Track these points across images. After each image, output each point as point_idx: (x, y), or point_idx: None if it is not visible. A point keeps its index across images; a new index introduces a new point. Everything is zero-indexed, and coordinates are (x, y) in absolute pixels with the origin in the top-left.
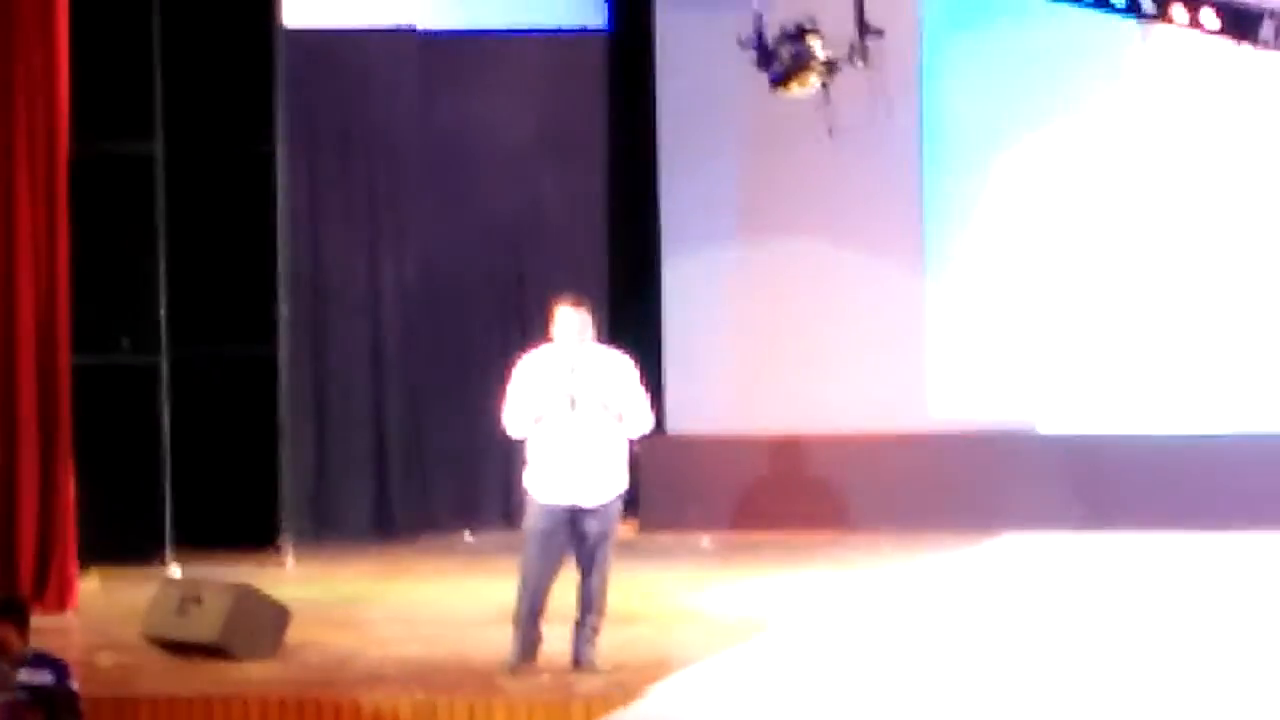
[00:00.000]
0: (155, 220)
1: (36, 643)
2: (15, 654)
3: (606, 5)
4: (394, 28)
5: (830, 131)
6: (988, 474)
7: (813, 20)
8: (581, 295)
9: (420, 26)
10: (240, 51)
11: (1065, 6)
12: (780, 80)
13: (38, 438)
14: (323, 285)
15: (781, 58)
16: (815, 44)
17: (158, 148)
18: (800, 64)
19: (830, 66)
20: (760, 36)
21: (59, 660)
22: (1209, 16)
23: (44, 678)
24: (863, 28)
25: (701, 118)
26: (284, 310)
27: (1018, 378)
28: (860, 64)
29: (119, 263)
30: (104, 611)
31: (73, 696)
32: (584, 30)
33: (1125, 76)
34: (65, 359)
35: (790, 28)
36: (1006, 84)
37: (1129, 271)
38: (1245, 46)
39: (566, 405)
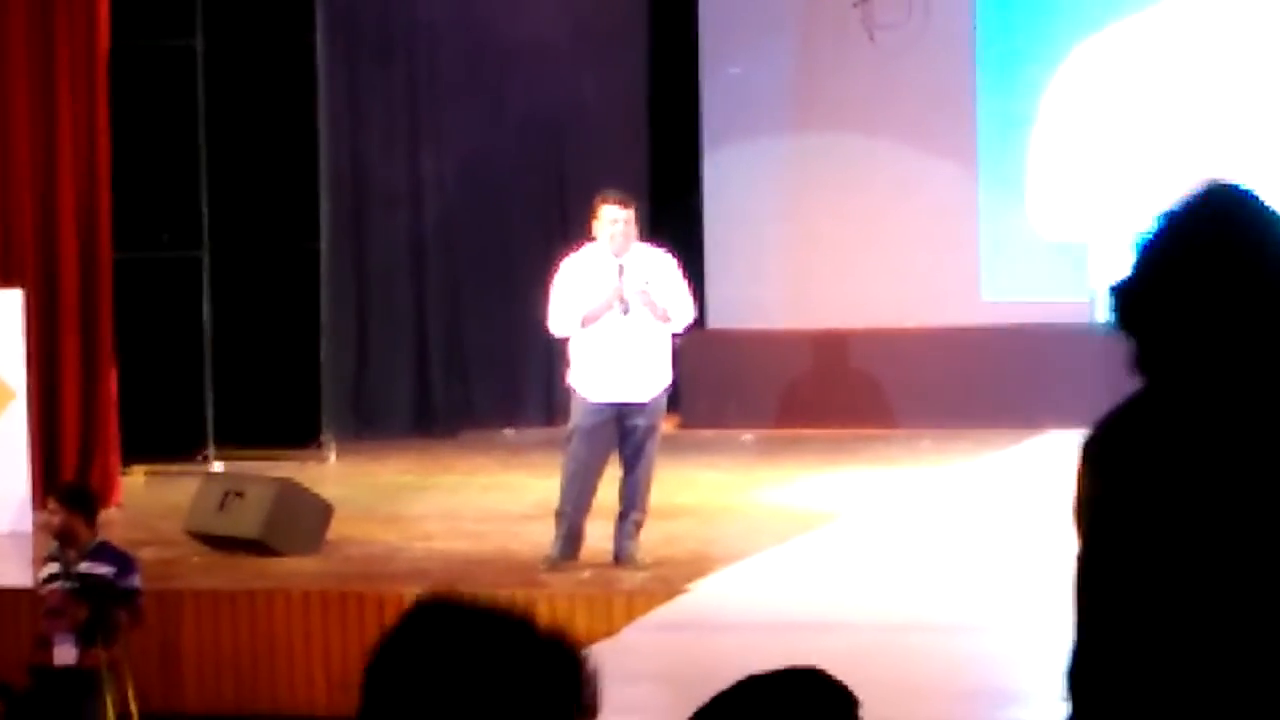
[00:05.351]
0: (196, 115)
1: None
2: (82, 544)
3: None
4: None
5: (871, 35)
6: (1035, 369)
7: None
8: (627, 194)
9: None
10: None
11: None
12: None
13: (79, 333)
14: (363, 181)
15: None
16: None
17: (198, 42)
18: None
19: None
20: None
21: (124, 554)
22: None
23: (103, 569)
24: None
25: (744, 11)
26: (325, 205)
27: (1070, 271)
28: None
29: (160, 158)
30: (147, 507)
31: (129, 593)
32: None
33: None
34: (107, 254)
35: None
36: None
37: (1190, 169)
38: None
39: (614, 305)
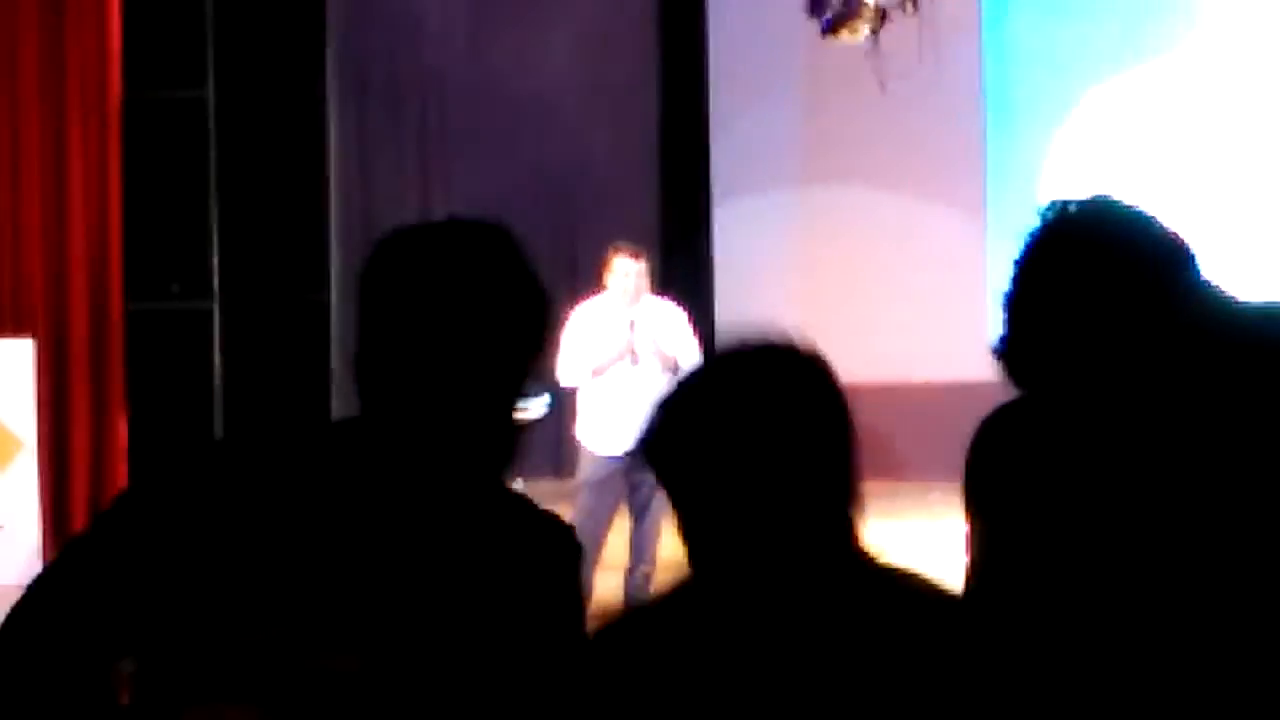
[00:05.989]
0: (207, 165)
1: None
2: None
3: None
4: None
5: (882, 85)
6: None
7: None
8: (639, 246)
9: None
10: None
11: None
12: (831, 27)
13: (90, 383)
14: (373, 231)
15: (832, 4)
16: None
17: (209, 93)
18: (851, 10)
19: (881, 14)
20: None
21: None
22: None
23: None
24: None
25: (753, 65)
26: (335, 256)
27: None
28: (912, 10)
29: (171, 208)
30: None
31: None
32: None
33: (1201, 25)
34: (117, 304)
35: None
36: (1073, 31)
37: (1202, 226)
38: None
39: (625, 357)
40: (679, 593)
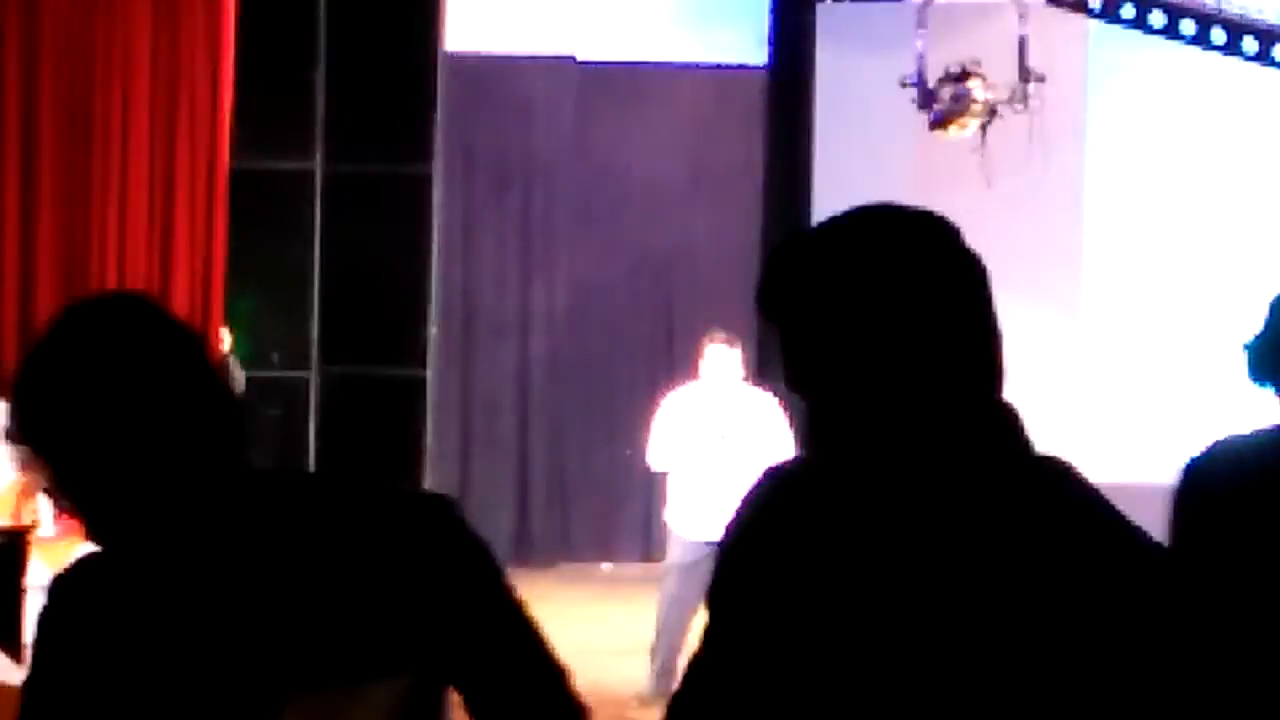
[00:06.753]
0: (312, 236)
1: None
2: None
3: (769, 43)
4: (554, 56)
5: (989, 182)
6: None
7: (976, 62)
8: (733, 334)
9: (580, 57)
10: (402, 73)
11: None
12: (939, 122)
13: None
14: (473, 309)
15: (942, 99)
16: (976, 86)
17: (316, 165)
18: (960, 106)
19: (990, 110)
20: (922, 77)
21: None
22: None
23: None
24: (1025, 72)
25: (859, 159)
26: (434, 332)
27: (1167, 433)
28: (1021, 108)
29: (274, 277)
30: None
31: None
32: (744, 67)
33: None
34: None
35: (953, 69)
36: (1174, 132)
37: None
38: None
39: (716, 444)
40: (803, 481)
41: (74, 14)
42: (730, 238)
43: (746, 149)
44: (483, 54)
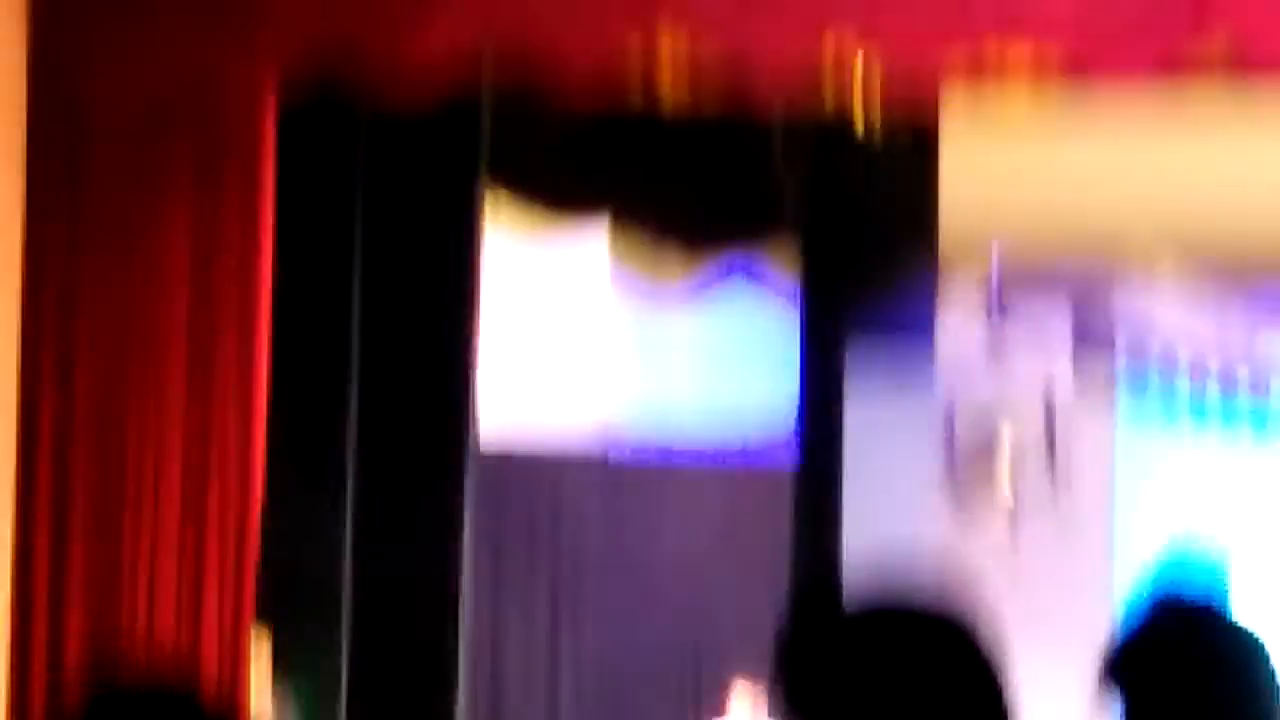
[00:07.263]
0: (338, 632)
1: None
2: None
3: (796, 445)
4: (585, 456)
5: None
6: None
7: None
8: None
9: (611, 456)
10: (433, 471)
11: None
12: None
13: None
14: (501, 679)
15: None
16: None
17: (345, 568)
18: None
19: (1012, 517)
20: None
21: None
22: None
23: None
24: (1055, 475)
25: (884, 539)
26: (462, 695)
27: None
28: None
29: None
30: None
31: None
32: (773, 468)
33: None
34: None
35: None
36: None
37: None
38: None
39: None
40: None
41: (109, 380)
42: (757, 626)
43: (776, 548)
44: (514, 452)
